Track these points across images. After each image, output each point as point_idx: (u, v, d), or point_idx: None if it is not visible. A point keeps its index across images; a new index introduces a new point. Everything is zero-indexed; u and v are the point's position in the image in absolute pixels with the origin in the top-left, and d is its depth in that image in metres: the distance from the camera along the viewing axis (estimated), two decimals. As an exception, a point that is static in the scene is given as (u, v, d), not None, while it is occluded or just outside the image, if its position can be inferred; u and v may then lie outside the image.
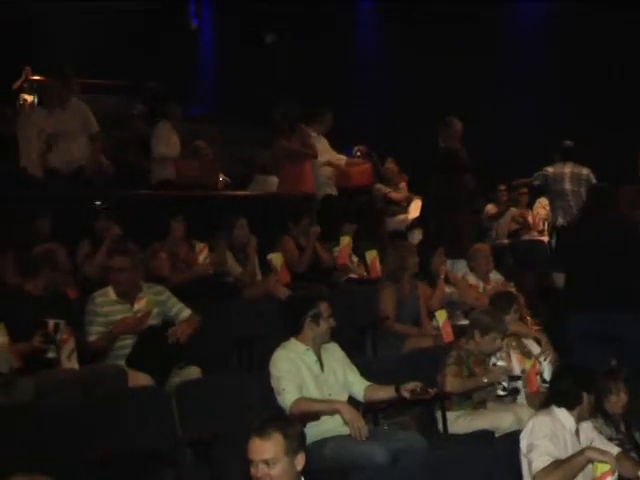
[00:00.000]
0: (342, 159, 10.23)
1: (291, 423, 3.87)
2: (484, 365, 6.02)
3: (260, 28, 15.55)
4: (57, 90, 8.86)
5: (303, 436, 3.89)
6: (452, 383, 5.79)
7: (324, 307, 5.43)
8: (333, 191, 9.88)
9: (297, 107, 9.85)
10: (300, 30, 14.80)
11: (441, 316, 6.86)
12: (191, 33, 16.88)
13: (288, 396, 5.21)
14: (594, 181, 9.36)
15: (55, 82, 9.05)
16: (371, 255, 8.27)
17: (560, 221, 9.56)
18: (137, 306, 5.94)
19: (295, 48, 14.96)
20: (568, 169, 9.52)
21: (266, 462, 3.68)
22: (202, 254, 7.40)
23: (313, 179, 9.74)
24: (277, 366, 5.33)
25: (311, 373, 5.35)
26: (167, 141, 10.00)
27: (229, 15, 15.91)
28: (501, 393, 5.96)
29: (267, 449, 3.69)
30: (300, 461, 3.77)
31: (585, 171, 9.53)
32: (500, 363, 5.99)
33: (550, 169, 9.65)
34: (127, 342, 5.97)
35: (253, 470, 3.70)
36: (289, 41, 15.22)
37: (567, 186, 9.48)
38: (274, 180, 9.97)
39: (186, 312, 6.17)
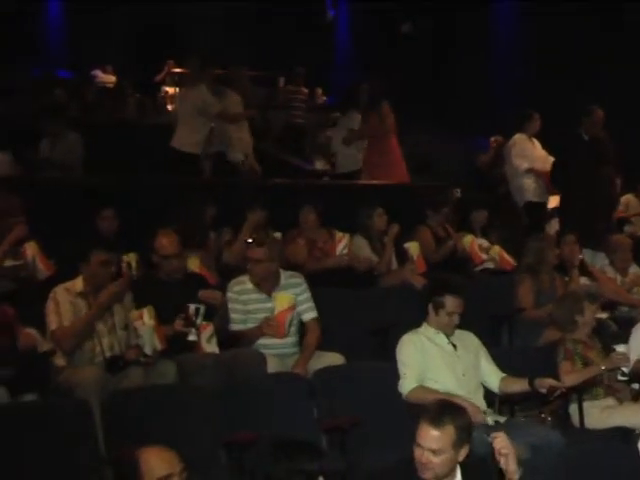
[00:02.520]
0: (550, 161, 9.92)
1: (463, 414, 3.82)
2: (596, 349, 5.92)
3: (397, 18, 15.55)
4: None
5: (471, 428, 3.85)
6: (569, 380, 5.63)
7: (451, 301, 5.39)
8: (536, 197, 9.59)
9: (379, 85, 9.83)
10: (437, 19, 14.74)
11: None
12: (327, 23, 17.01)
13: (407, 382, 5.25)
14: None
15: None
16: (495, 250, 8.19)
17: None
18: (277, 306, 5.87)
19: (431, 37, 14.90)
20: None
21: (433, 451, 3.68)
22: (341, 244, 7.43)
23: (403, 165, 9.73)
24: (402, 350, 5.36)
25: (443, 353, 5.35)
26: None
27: (365, 5, 15.95)
28: (621, 378, 5.81)
29: (437, 439, 3.68)
30: (463, 453, 3.75)
31: None
32: (621, 349, 5.84)
33: None
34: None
35: (418, 452, 3.70)
36: (426, 31, 15.17)
37: None
38: None
39: (311, 314, 6.08)
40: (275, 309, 5.81)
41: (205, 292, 5.98)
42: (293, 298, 5.88)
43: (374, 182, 9.76)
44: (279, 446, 3.32)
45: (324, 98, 15.12)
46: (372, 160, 9.80)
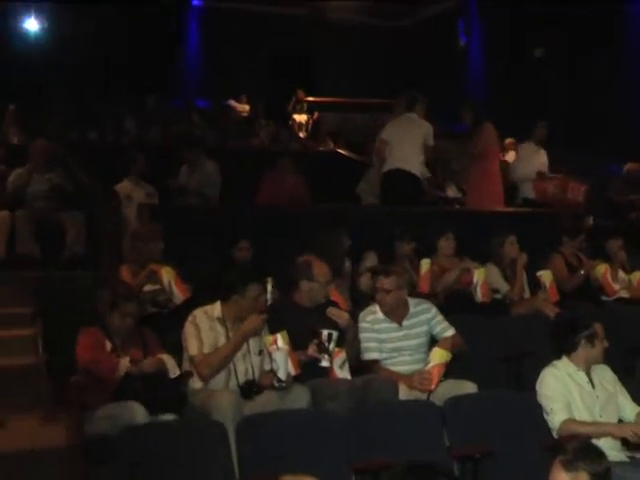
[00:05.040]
0: None
1: (600, 461, 3.66)
2: None
3: (529, 43, 15.43)
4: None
5: (608, 474, 3.69)
6: None
7: (599, 328, 5.35)
8: None
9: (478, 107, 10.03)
10: (571, 44, 14.56)
11: None
12: (460, 50, 17.02)
13: (557, 417, 5.18)
14: None
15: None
16: (635, 277, 8.01)
17: None
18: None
19: (565, 62, 14.72)
20: None
21: None
22: (474, 277, 7.36)
23: (501, 190, 9.74)
24: (546, 384, 5.30)
25: (582, 393, 5.27)
26: (529, 161, 10.37)
27: (498, 31, 15.88)
28: None
29: None
30: None
31: None
32: None
33: None
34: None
35: None
36: (559, 55, 14.99)
37: None
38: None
39: (450, 331, 6.17)
40: (431, 362, 5.76)
41: (333, 310, 6.07)
42: (449, 355, 5.79)
43: (508, 209, 9.73)
44: (413, 468, 3.31)
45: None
46: (473, 184, 9.87)
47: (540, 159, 10.56)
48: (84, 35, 15.72)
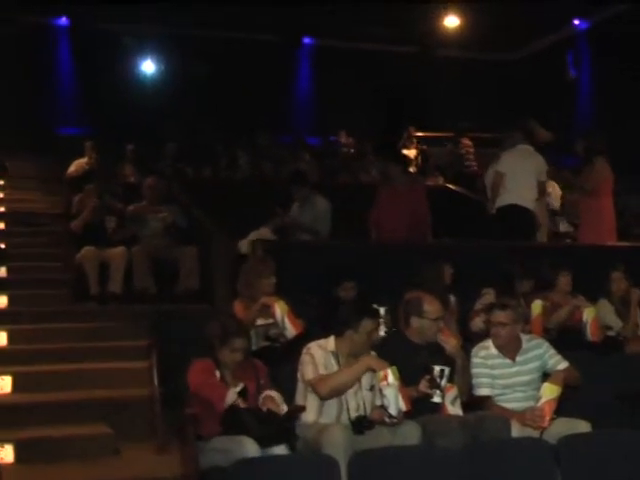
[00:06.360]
0: None
1: None
2: None
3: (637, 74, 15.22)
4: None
5: None
6: None
7: None
8: None
9: (599, 140, 9.78)
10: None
11: None
12: (569, 83, 16.88)
13: None
14: None
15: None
16: None
17: None
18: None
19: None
20: None
21: None
22: (583, 314, 7.28)
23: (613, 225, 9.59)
24: (664, 425, 5.23)
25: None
26: None
27: (607, 63, 15.71)
28: None
29: None
30: None
31: None
32: None
33: None
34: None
35: None
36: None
37: None
38: None
39: (562, 364, 6.14)
40: (542, 398, 5.73)
41: (443, 335, 6.09)
42: (559, 389, 5.75)
43: (618, 244, 9.58)
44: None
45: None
46: (584, 218, 9.76)
47: None
48: (198, 75, 16.14)
